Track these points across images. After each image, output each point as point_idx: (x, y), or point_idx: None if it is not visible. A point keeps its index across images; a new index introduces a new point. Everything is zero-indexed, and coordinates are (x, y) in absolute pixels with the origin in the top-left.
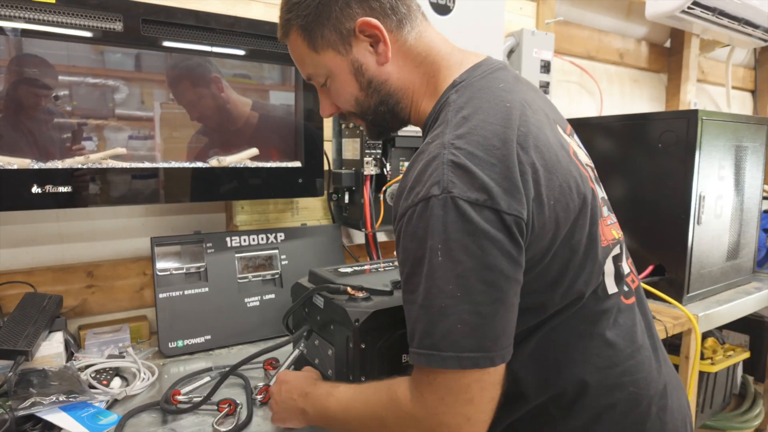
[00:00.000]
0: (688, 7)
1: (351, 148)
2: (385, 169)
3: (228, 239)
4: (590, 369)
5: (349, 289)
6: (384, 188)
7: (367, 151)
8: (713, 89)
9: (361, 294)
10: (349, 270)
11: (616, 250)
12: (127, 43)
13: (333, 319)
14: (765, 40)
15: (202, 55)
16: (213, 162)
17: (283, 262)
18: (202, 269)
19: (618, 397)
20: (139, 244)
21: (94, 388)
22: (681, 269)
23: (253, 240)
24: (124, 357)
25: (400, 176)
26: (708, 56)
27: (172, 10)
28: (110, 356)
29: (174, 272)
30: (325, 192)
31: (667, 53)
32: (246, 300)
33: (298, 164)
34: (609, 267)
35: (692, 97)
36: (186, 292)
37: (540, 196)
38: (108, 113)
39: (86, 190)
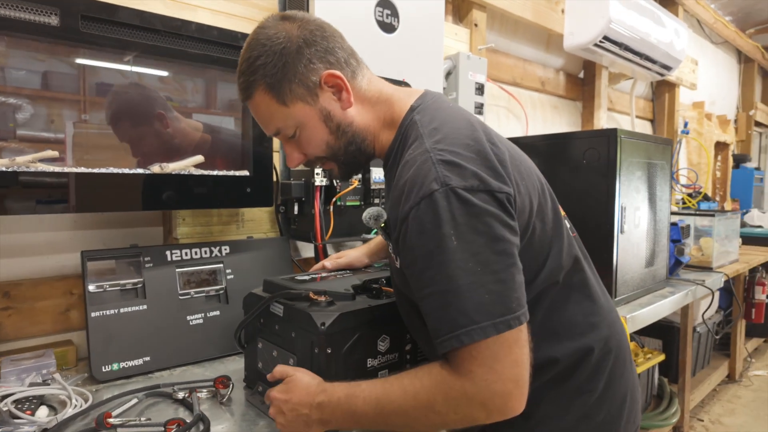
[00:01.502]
0: (600, 41)
1: None
2: (335, 181)
3: (168, 253)
4: (589, 331)
5: (311, 294)
6: (333, 199)
7: None
8: (620, 117)
9: (324, 299)
10: (306, 278)
11: (567, 223)
12: (64, 40)
13: (294, 326)
14: (661, 74)
15: (145, 74)
16: (155, 168)
17: (229, 277)
18: (139, 285)
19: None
20: (66, 261)
21: (18, 418)
22: (608, 275)
23: (196, 253)
24: (49, 384)
25: (351, 187)
26: (615, 87)
27: (116, 8)
28: (32, 384)
29: (108, 289)
30: (273, 204)
31: (581, 83)
32: (188, 317)
33: (246, 173)
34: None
35: (604, 123)
36: (122, 311)
37: (515, 178)
38: (8, 134)
39: (5, 196)
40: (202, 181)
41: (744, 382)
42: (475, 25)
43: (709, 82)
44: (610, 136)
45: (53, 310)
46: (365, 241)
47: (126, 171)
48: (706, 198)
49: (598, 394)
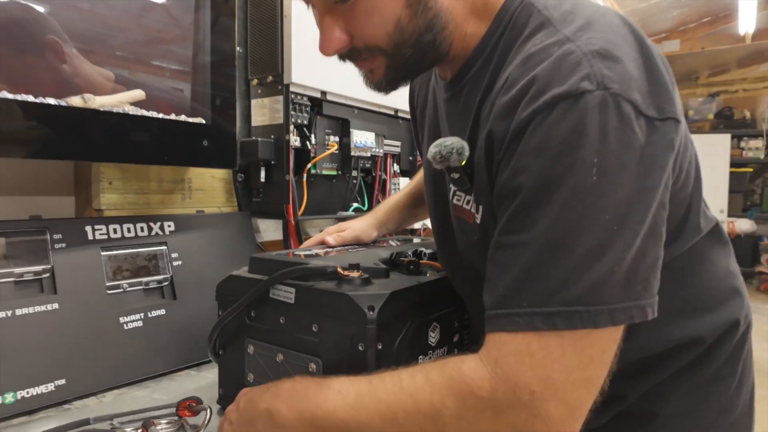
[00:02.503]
0: None
1: (267, 111)
2: (308, 143)
3: (89, 229)
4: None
5: (339, 268)
6: (308, 166)
7: (293, 113)
8: None
9: (358, 275)
10: (304, 253)
11: None
12: None
13: (318, 316)
14: None
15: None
16: (74, 100)
17: (175, 264)
18: (46, 275)
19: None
20: None
21: None
22: None
23: (129, 230)
24: None
25: (329, 152)
26: None
27: None
28: None
29: None
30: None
31: None
32: (121, 319)
33: (201, 121)
34: None
35: None
36: (19, 312)
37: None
38: None
39: None
40: (143, 126)
41: None
42: None
43: None
44: None
45: None
46: (342, 219)
47: (29, 99)
48: None
49: (736, 380)
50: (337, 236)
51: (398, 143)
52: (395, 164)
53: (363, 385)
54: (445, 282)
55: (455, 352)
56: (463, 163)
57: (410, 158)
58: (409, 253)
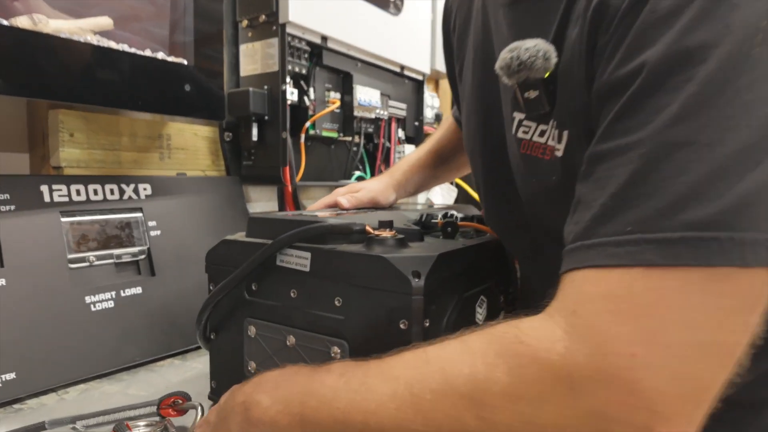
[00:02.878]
0: None
1: (258, 58)
2: (306, 98)
3: (45, 189)
4: None
5: (368, 227)
6: (306, 125)
7: (289, 59)
8: None
9: (391, 234)
10: (311, 214)
11: None
12: None
13: (343, 286)
14: None
15: None
16: (23, 21)
17: (153, 234)
18: None
19: None
20: None
21: None
22: None
23: (96, 192)
24: None
25: (330, 109)
26: None
27: None
28: None
29: None
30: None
31: None
32: (88, 299)
33: (182, 61)
34: None
35: None
36: None
37: None
38: None
39: None
40: (111, 61)
41: None
42: None
43: None
44: None
45: None
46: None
47: None
48: None
49: None
50: (351, 197)
51: (404, 106)
52: (400, 129)
53: (373, 365)
54: (492, 247)
55: None
56: (547, 74)
57: (416, 123)
58: (452, 213)
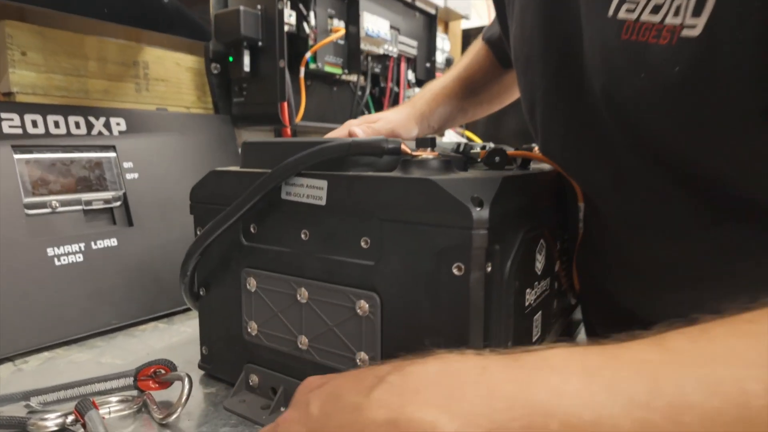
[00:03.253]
0: None
1: None
2: (305, 24)
3: None
4: None
5: (403, 145)
6: (306, 57)
7: None
8: None
9: (434, 155)
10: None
11: None
12: None
13: (374, 224)
14: None
15: None
16: None
17: (129, 177)
18: None
19: None
20: None
21: None
22: None
23: (57, 125)
24: None
25: (332, 38)
26: None
27: None
28: None
29: None
30: (211, 38)
31: None
32: (50, 252)
33: None
34: None
35: None
36: None
37: None
38: None
39: None
40: None
41: None
42: None
43: None
44: None
45: None
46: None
47: None
48: None
49: None
50: (368, 127)
51: (414, 43)
52: (410, 71)
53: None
54: (551, 180)
55: (556, 287)
56: None
57: (427, 65)
58: (478, 147)
